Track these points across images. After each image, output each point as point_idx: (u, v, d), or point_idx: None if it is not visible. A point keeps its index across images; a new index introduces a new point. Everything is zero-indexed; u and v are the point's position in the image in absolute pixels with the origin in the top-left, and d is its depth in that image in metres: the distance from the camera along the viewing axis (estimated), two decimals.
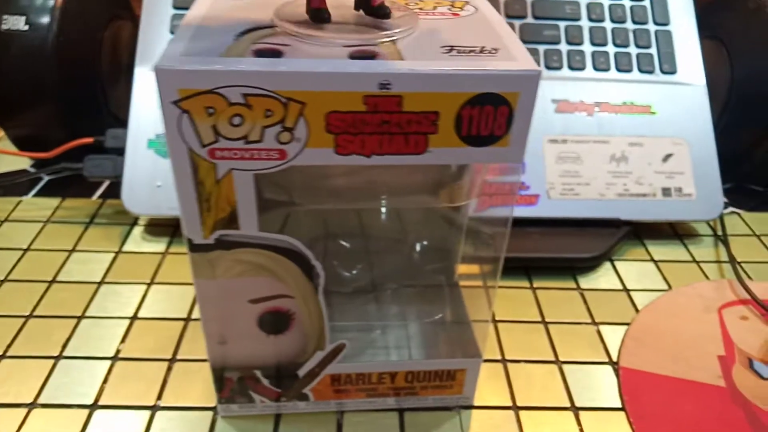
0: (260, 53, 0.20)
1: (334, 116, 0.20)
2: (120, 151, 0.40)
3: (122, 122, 0.47)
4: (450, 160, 0.21)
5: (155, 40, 0.41)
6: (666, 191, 0.41)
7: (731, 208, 0.46)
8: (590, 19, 0.43)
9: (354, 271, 0.33)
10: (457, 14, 0.24)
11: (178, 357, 0.30)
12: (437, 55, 0.20)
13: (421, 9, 0.24)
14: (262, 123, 0.20)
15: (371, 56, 0.20)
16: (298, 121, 0.20)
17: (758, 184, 0.48)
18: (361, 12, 0.23)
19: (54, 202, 0.43)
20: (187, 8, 0.42)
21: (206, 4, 0.24)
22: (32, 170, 0.46)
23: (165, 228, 0.40)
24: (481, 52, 0.21)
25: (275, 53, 0.20)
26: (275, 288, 0.24)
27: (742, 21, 0.46)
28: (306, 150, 0.20)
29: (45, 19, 0.40)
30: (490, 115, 0.20)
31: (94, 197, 0.43)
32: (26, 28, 0.40)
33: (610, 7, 0.44)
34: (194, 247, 0.22)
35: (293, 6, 0.23)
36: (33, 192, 0.44)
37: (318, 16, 0.21)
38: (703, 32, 0.47)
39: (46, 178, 0.45)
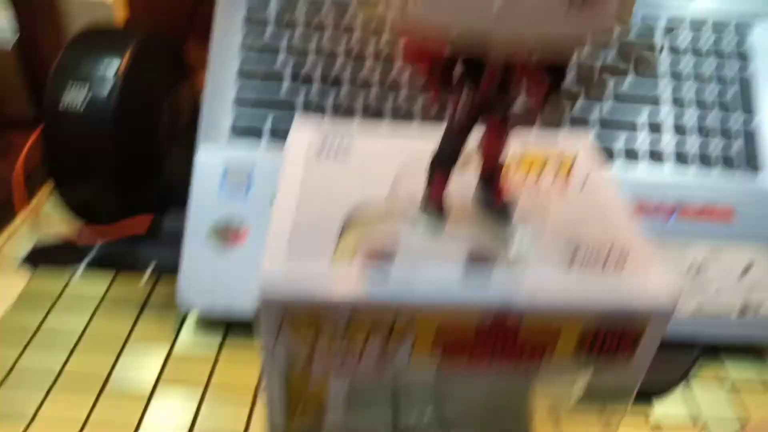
0: (371, 257, 0.18)
1: (443, 337, 0.18)
2: (177, 236, 0.39)
3: (175, 188, 0.46)
4: (564, 377, 0.19)
5: (219, 115, 0.39)
6: (744, 309, 0.38)
7: None
8: (675, 104, 0.41)
9: None
10: (568, 186, 0.22)
11: None
12: (562, 262, 0.18)
13: (528, 173, 0.22)
14: (365, 338, 0.18)
15: (489, 263, 0.18)
16: (403, 339, 0.18)
17: None
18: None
19: (105, 281, 0.42)
20: (251, 78, 0.40)
21: (300, 166, 0.22)
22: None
23: (219, 324, 0.39)
24: (608, 259, 0.19)
25: (386, 256, 0.18)
26: None
27: None
28: (408, 367, 0.19)
29: (104, 97, 0.39)
30: (615, 338, 0.18)
31: (148, 273, 0.42)
32: (84, 107, 0.39)
33: (696, 91, 0.41)
34: None
35: (413, 176, 0.21)
36: (86, 260, 0.43)
37: (436, 213, 0.19)
38: None
39: (99, 246, 0.44)
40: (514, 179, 0.22)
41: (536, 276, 0.18)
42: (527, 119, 0.18)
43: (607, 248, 0.19)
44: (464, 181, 0.21)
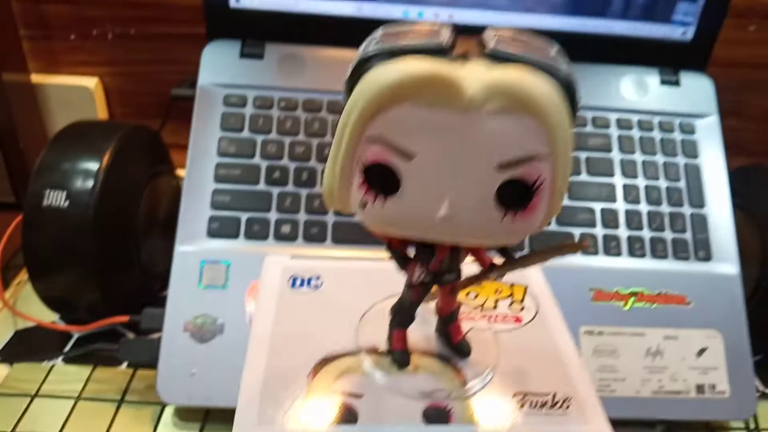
0: (341, 410, 0.20)
1: None
2: (155, 332, 0.40)
3: (153, 276, 0.47)
4: None
5: (196, 216, 0.41)
6: (700, 388, 0.40)
7: (764, 388, 0.46)
8: (626, 201, 0.44)
9: None
10: (520, 319, 0.24)
11: None
12: (511, 409, 0.20)
13: (484, 303, 0.24)
14: None
15: (445, 415, 0.20)
16: None
17: None
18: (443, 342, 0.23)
19: (85, 372, 0.42)
20: (227, 182, 0.42)
21: (271, 307, 0.24)
22: (62, 324, 0.46)
23: (197, 413, 0.40)
24: (554, 404, 0.20)
25: (351, 412, 0.20)
26: None
27: None
28: None
29: (86, 196, 0.40)
30: None
31: (125, 365, 0.43)
32: (67, 204, 0.40)
33: (647, 188, 0.44)
34: None
35: (377, 323, 0.23)
36: (66, 348, 0.43)
37: (399, 360, 0.21)
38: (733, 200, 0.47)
39: (77, 335, 0.45)
40: (469, 308, 0.24)
41: (487, 419, 0.19)
42: (477, 281, 0.20)
43: (553, 394, 0.21)
44: (426, 320, 0.23)
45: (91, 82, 0.55)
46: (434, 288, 0.20)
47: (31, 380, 0.41)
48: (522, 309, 0.24)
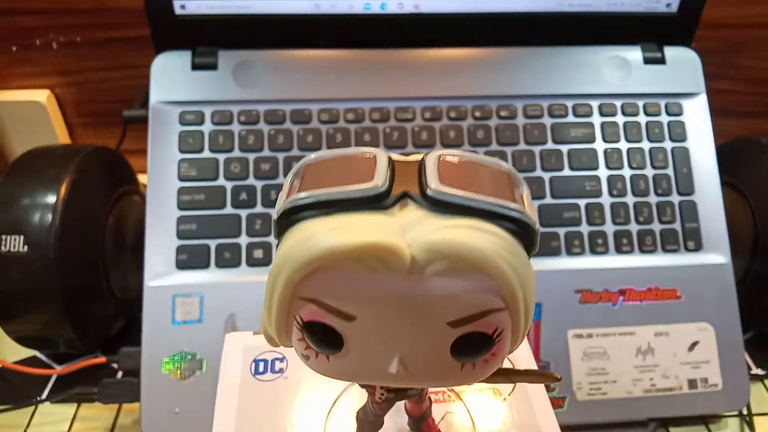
0: None
1: None
2: (135, 372, 0.39)
3: (129, 302, 0.46)
4: None
5: (162, 248, 0.39)
6: (692, 383, 0.40)
7: (756, 370, 0.45)
8: (611, 195, 0.42)
9: None
10: (498, 391, 0.23)
11: None
12: None
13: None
14: None
15: None
16: None
17: None
18: None
19: (69, 410, 0.41)
20: (192, 209, 0.40)
21: (235, 398, 0.22)
22: (44, 358, 0.45)
23: None
24: None
25: None
26: None
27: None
28: None
29: (44, 233, 0.38)
30: None
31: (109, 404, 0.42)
32: (26, 249, 0.38)
33: (632, 179, 0.42)
34: None
35: (346, 414, 0.22)
36: (46, 390, 0.42)
37: None
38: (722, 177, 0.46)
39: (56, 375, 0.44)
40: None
41: None
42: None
43: None
44: (399, 410, 0.21)
45: (42, 96, 0.52)
46: None
47: (17, 425, 0.40)
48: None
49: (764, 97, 0.56)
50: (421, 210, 0.13)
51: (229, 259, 0.39)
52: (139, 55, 0.48)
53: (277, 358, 0.23)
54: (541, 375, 0.17)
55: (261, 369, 0.22)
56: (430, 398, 0.20)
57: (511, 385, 0.22)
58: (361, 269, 0.13)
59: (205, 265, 0.39)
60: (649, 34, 0.44)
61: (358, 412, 0.19)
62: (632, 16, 0.43)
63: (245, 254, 0.40)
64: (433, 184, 0.13)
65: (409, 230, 0.13)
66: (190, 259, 0.39)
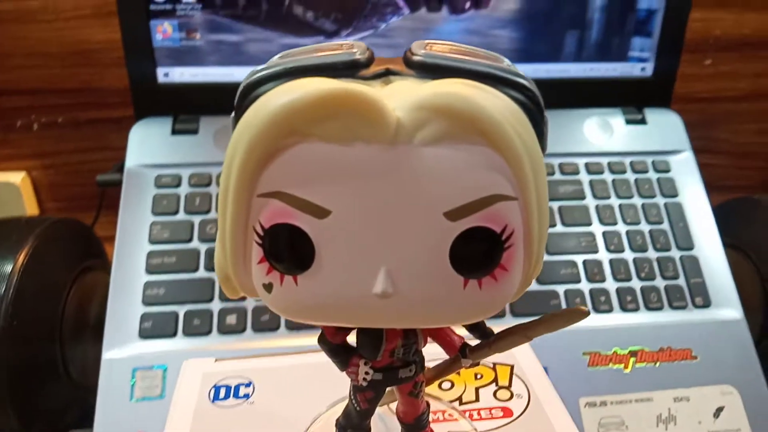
0: None
1: None
2: None
3: (82, 390, 0.41)
4: None
5: (126, 315, 0.36)
6: None
7: None
8: (609, 250, 0.40)
9: None
10: (510, 411, 0.19)
11: None
12: None
13: (461, 398, 0.19)
14: None
15: None
16: None
17: None
18: None
19: None
20: (161, 272, 0.37)
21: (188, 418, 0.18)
22: None
23: None
24: None
25: None
26: None
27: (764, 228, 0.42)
28: None
29: None
30: None
31: None
32: None
33: (629, 234, 0.40)
34: None
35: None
36: None
37: None
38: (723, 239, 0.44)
39: None
40: (443, 404, 0.19)
41: None
42: (445, 373, 0.16)
43: None
44: (387, 425, 0.17)
45: (17, 177, 0.51)
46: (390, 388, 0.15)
47: None
48: (511, 397, 0.19)
49: (747, 171, 0.56)
50: (408, 80, 0.11)
51: (198, 326, 0.36)
52: (119, 136, 0.47)
53: (242, 383, 0.19)
54: (564, 315, 0.13)
55: (222, 395, 0.19)
56: (427, 402, 0.16)
57: (525, 399, 0.19)
58: (332, 141, 0.10)
59: (171, 334, 0.35)
60: (628, 97, 0.44)
61: (338, 419, 0.15)
62: (611, 81, 0.44)
63: (217, 321, 0.36)
64: (421, 51, 0.11)
65: (393, 97, 0.10)
66: (154, 327, 0.35)
